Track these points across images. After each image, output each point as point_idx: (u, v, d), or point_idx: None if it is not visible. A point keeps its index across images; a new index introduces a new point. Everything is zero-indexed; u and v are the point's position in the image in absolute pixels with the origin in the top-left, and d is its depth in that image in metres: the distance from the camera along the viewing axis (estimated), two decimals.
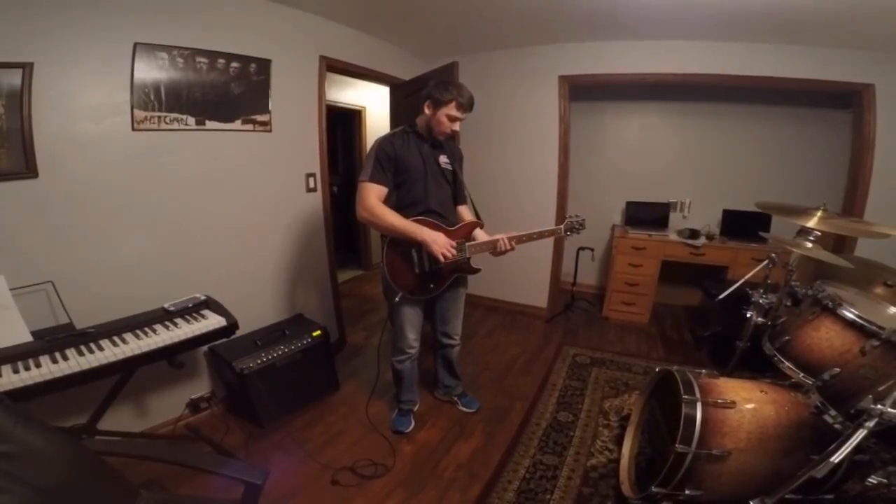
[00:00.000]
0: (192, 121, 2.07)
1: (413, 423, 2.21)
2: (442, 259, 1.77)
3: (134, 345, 1.53)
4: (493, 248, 1.86)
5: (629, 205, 3.92)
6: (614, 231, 3.82)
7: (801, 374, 1.44)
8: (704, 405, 1.47)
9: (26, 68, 1.54)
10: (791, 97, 3.34)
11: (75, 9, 1.64)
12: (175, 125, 2.01)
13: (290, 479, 1.84)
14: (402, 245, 1.85)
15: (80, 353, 1.43)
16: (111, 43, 1.76)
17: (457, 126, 1.85)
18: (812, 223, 1.64)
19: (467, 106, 1.81)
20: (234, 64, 2.19)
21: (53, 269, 1.66)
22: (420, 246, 1.81)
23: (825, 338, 1.41)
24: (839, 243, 2.91)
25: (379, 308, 3.89)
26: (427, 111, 1.85)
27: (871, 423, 1.06)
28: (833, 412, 1.27)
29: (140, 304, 1.82)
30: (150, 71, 1.89)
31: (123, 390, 1.68)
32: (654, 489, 1.49)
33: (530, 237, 1.89)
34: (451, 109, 1.79)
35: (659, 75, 3.09)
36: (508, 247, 1.85)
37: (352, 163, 5.05)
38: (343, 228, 5.03)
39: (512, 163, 3.59)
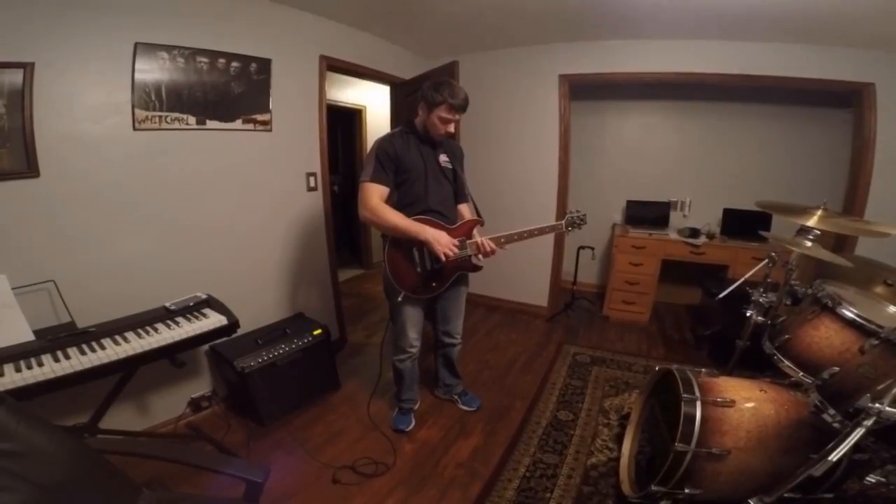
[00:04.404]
0: (192, 120, 2.08)
1: (413, 422, 2.22)
2: (444, 258, 1.77)
3: (135, 344, 1.54)
4: (477, 250, 1.87)
5: (630, 204, 3.91)
6: (615, 230, 3.82)
7: (801, 373, 1.44)
8: (704, 404, 1.47)
9: (27, 68, 1.54)
10: (791, 96, 3.34)
11: (76, 9, 1.65)
12: (176, 125, 2.02)
13: (291, 478, 1.84)
14: (403, 244, 1.85)
15: (82, 352, 1.44)
16: (112, 43, 1.77)
17: (451, 128, 1.84)
18: (812, 222, 1.64)
19: (459, 107, 1.79)
20: (235, 63, 2.19)
21: (55, 268, 1.67)
22: (422, 245, 1.81)
23: (825, 337, 1.41)
24: (839, 242, 2.91)
25: (379, 307, 3.89)
26: (421, 112, 1.85)
27: (869, 422, 1.06)
28: (832, 411, 1.27)
29: (141, 303, 1.83)
30: (151, 71, 1.89)
31: (125, 389, 1.68)
32: (653, 488, 1.49)
33: (531, 233, 1.90)
34: (443, 111, 1.78)
35: (659, 74, 3.09)
36: (488, 248, 1.85)
37: (352, 162, 5.05)
38: (344, 227, 5.04)
39: (512, 162, 3.60)
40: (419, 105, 1.85)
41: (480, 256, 1.89)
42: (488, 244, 1.84)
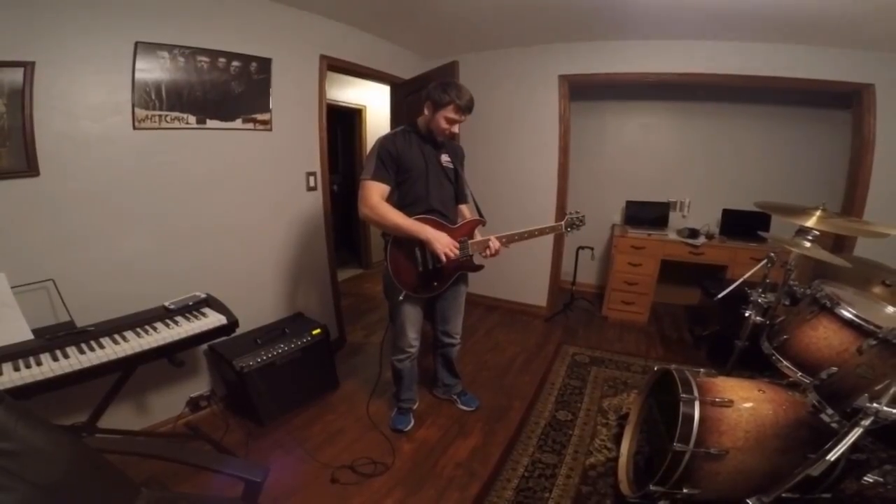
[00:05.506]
0: (192, 120, 2.08)
1: (412, 422, 2.22)
2: (444, 258, 1.77)
3: (134, 343, 1.54)
4: (485, 249, 1.88)
5: (629, 204, 3.92)
6: (614, 230, 3.83)
7: (799, 374, 1.44)
8: (702, 404, 1.47)
9: (28, 67, 1.54)
10: (791, 97, 3.34)
11: (77, 8, 1.65)
12: (176, 124, 2.02)
13: (290, 477, 1.84)
14: (405, 244, 1.85)
15: (81, 352, 1.44)
16: (112, 42, 1.77)
17: (455, 128, 1.85)
18: (811, 223, 1.64)
19: (466, 108, 1.80)
20: (235, 63, 2.19)
21: (54, 267, 1.67)
22: (423, 244, 1.81)
23: (823, 337, 1.42)
24: (838, 243, 2.92)
25: (379, 307, 3.89)
26: (427, 112, 1.85)
27: (867, 422, 1.06)
28: (830, 411, 1.27)
29: (140, 303, 1.83)
30: (152, 70, 1.89)
31: (124, 388, 1.68)
32: (652, 487, 1.49)
33: (532, 234, 1.91)
34: (450, 112, 1.79)
35: (659, 75, 3.10)
36: (498, 247, 1.86)
37: (352, 161, 5.05)
38: (343, 227, 5.04)
39: (512, 162, 3.60)
40: (425, 105, 1.85)
41: (487, 253, 1.89)
42: (496, 244, 1.85)
